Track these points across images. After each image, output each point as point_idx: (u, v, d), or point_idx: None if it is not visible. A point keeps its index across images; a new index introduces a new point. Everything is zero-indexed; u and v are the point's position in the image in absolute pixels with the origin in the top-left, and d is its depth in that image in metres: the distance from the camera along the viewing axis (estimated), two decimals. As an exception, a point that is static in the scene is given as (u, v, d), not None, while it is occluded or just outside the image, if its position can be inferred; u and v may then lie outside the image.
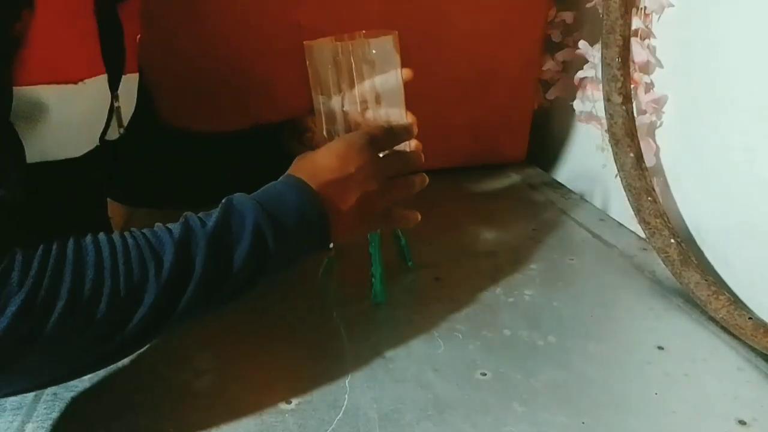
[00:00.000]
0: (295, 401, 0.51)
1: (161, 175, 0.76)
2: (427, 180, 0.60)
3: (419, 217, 0.61)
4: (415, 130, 0.61)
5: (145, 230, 0.45)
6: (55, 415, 0.49)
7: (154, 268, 0.42)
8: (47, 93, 0.47)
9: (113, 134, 0.62)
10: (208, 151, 0.76)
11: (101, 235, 0.43)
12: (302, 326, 0.62)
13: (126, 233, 0.44)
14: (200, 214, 0.47)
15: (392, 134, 0.58)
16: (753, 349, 0.57)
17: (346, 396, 0.51)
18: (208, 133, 0.77)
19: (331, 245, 0.53)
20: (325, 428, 0.48)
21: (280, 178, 0.53)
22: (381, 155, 0.57)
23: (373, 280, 0.64)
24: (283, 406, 0.50)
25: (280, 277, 0.50)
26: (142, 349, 0.46)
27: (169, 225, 0.46)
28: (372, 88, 0.59)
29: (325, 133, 0.61)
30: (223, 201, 0.49)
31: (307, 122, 0.70)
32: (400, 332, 0.60)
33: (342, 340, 0.59)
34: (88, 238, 0.42)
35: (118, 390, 0.52)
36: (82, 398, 0.51)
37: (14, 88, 0.44)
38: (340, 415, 0.49)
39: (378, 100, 0.60)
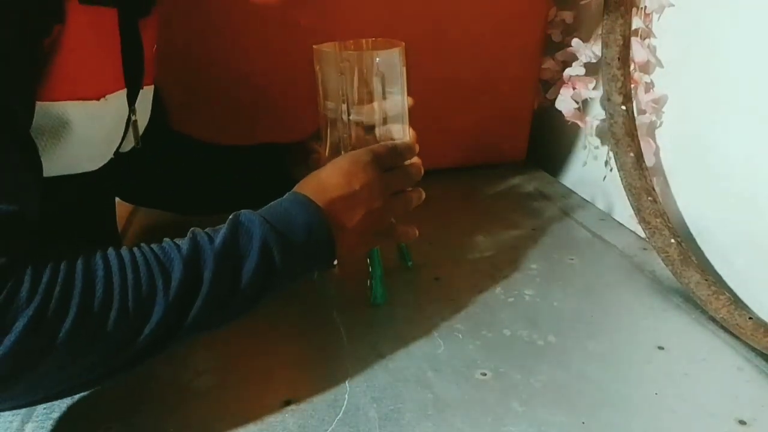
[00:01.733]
0: (295, 401, 0.51)
1: (165, 178, 0.77)
2: (424, 195, 0.61)
3: (417, 232, 0.63)
4: (417, 148, 0.61)
5: (153, 246, 0.45)
6: (54, 415, 0.49)
7: (162, 284, 0.42)
8: (72, 109, 0.48)
9: (127, 146, 0.62)
10: (214, 161, 0.77)
11: (110, 251, 0.43)
12: (302, 326, 0.62)
13: (135, 249, 0.44)
14: (207, 230, 0.47)
15: (396, 152, 0.59)
16: (753, 349, 0.57)
17: (346, 396, 0.51)
18: (216, 144, 0.77)
19: (335, 262, 0.54)
20: (325, 428, 0.48)
21: (286, 195, 0.53)
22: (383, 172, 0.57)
23: (372, 281, 0.64)
24: (283, 406, 0.50)
25: (285, 293, 0.51)
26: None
27: (177, 240, 0.46)
28: (376, 99, 0.59)
29: (328, 138, 0.61)
30: (230, 217, 0.49)
31: (313, 145, 0.71)
32: (399, 332, 0.60)
33: (342, 340, 0.59)
34: (98, 253, 0.42)
35: (118, 390, 0.52)
36: (81, 398, 0.51)
37: (40, 103, 0.45)
38: (340, 415, 0.49)
39: (381, 111, 0.60)
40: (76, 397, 0.51)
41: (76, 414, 0.50)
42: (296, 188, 0.54)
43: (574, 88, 0.86)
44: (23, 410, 0.50)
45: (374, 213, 0.56)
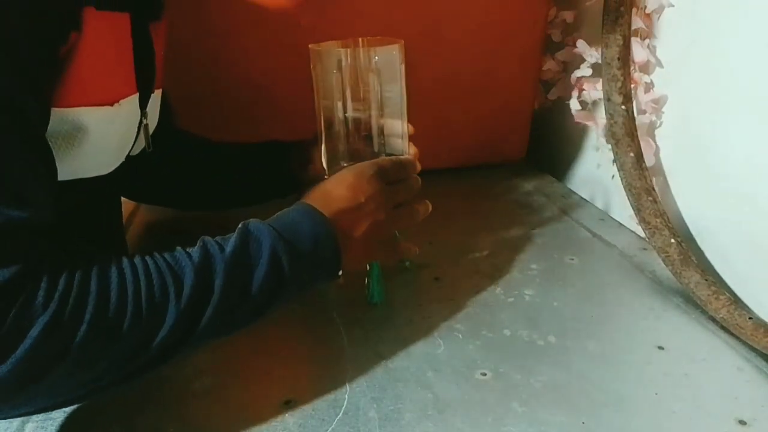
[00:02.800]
0: (295, 401, 0.51)
1: (169, 176, 0.77)
2: (431, 208, 0.62)
3: (417, 250, 0.65)
4: (418, 166, 0.62)
5: (165, 254, 0.45)
6: (54, 415, 0.49)
7: (174, 291, 0.43)
8: (87, 115, 0.48)
9: (137, 149, 0.63)
10: (216, 158, 0.78)
11: (124, 259, 0.44)
12: (302, 327, 0.62)
13: (147, 257, 0.45)
14: (217, 239, 0.48)
15: (400, 166, 0.60)
16: (753, 349, 0.57)
17: (346, 396, 0.51)
18: (219, 142, 0.78)
19: (341, 273, 0.54)
20: (325, 428, 0.48)
21: (293, 205, 0.54)
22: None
23: (369, 280, 0.64)
24: (283, 406, 0.50)
25: (292, 303, 0.51)
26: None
27: (188, 249, 0.46)
28: (375, 96, 0.59)
29: (324, 141, 0.61)
30: (239, 226, 0.49)
31: (313, 151, 0.71)
32: (399, 332, 0.60)
33: (342, 341, 0.59)
34: (112, 261, 0.43)
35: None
36: (82, 398, 0.51)
37: (56, 109, 0.45)
38: (340, 415, 0.49)
39: (380, 108, 0.60)
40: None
41: (76, 414, 0.50)
42: (302, 199, 0.55)
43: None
44: (23, 410, 0.50)
45: (379, 224, 0.56)
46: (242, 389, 0.53)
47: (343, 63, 0.57)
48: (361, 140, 0.61)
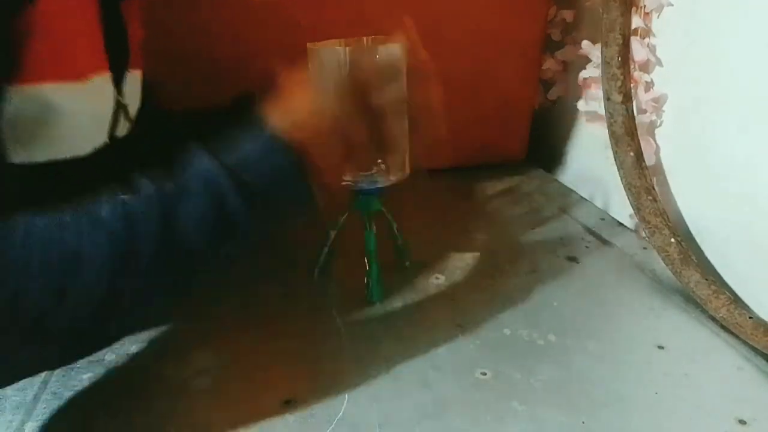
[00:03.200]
0: (295, 401, 0.51)
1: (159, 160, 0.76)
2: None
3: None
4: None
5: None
6: (54, 414, 0.49)
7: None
8: (54, 92, 0.47)
9: (122, 130, 0.62)
10: (200, 126, 0.75)
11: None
12: (302, 326, 0.62)
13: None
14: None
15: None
16: (753, 348, 0.57)
17: (346, 396, 0.51)
18: (198, 108, 0.75)
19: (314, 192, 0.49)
20: (325, 428, 0.48)
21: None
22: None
23: (369, 280, 0.64)
24: (283, 405, 0.50)
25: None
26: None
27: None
28: (375, 95, 0.59)
29: None
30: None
31: None
32: (399, 332, 0.60)
33: (342, 340, 0.59)
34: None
35: (118, 390, 0.52)
36: (81, 398, 0.51)
37: (20, 86, 0.44)
38: (340, 415, 0.49)
39: (380, 107, 0.60)
40: (75, 395, 0.51)
41: (76, 413, 0.50)
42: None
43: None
44: (23, 409, 0.50)
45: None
46: (242, 389, 0.53)
47: (342, 62, 0.57)
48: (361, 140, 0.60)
